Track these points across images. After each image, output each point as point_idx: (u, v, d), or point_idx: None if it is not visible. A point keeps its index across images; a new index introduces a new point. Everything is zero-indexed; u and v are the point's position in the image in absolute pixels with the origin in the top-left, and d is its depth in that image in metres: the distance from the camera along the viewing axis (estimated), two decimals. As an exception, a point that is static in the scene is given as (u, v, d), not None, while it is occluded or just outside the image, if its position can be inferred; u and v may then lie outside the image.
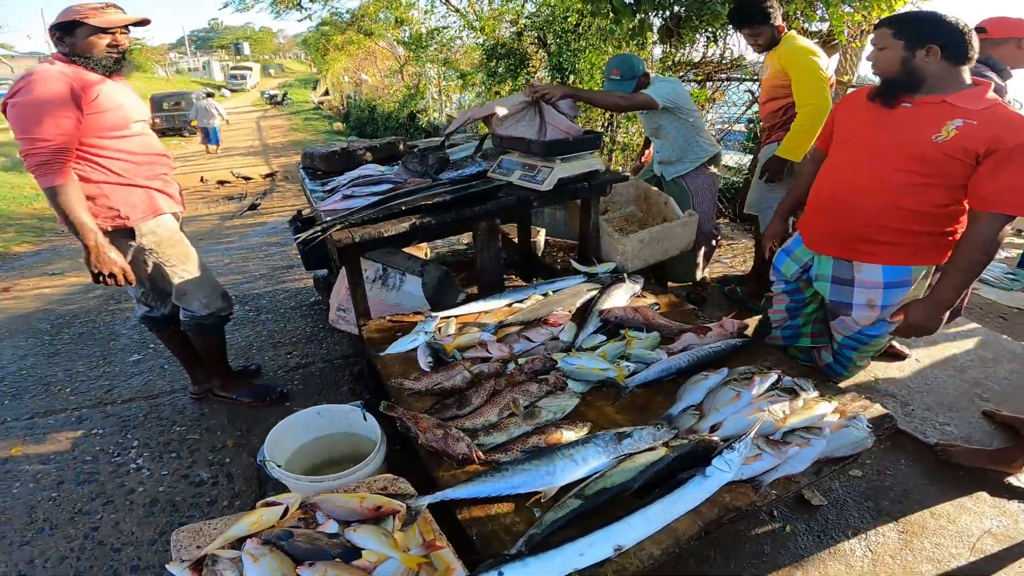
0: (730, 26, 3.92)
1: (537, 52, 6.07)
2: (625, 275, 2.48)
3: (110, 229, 2.01)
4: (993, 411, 2.38)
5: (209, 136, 14.10)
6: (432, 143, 3.31)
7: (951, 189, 1.63)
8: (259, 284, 4.42)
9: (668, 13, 3.69)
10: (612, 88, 2.85)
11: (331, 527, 1.20)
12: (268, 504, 1.23)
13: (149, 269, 2.19)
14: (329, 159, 2.96)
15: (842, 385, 2.05)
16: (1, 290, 5.05)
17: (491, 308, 2.35)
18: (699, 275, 3.38)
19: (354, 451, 1.94)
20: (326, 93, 26.52)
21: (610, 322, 2.15)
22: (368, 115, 15.49)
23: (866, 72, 4.05)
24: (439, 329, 2.13)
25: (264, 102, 29.09)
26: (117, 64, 2.00)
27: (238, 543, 1.16)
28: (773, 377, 1.70)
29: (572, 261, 2.74)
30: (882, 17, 1.68)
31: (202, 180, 10.71)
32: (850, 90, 3.49)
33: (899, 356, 2.80)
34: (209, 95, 15.07)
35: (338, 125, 17.44)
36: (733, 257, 4.16)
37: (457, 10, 7.02)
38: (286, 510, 1.23)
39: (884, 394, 2.54)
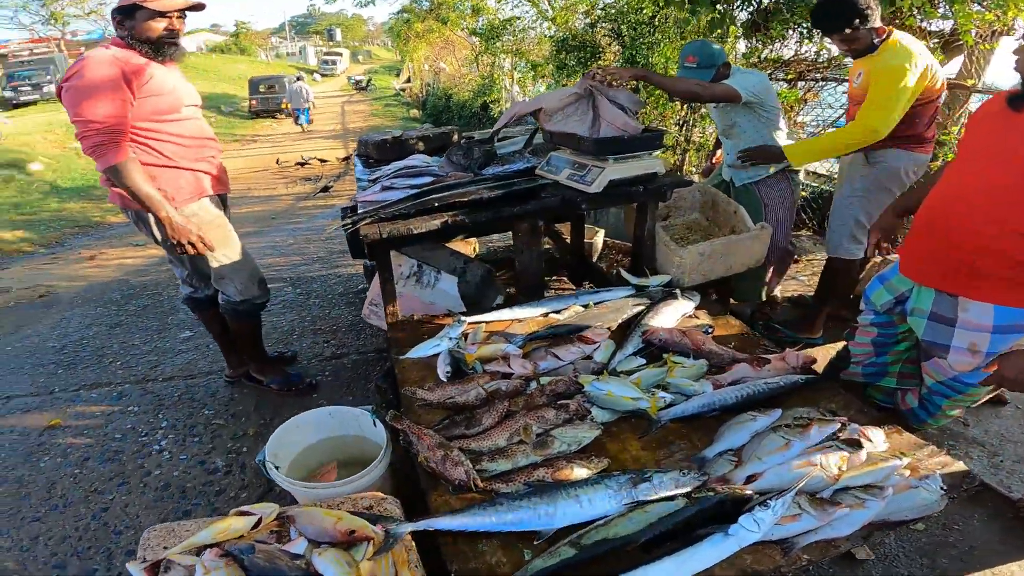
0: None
1: (611, 44, 5.78)
2: (678, 291, 2.23)
3: (140, 208, 2.02)
4: None
5: (299, 116, 15.43)
6: (484, 135, 3.17)
7: None
8: (315, 267, 4.49)
9: (754, 6, 3.32)
10: (687, 75, 2.56)
11: (299, 546, 1.10)
12: (241, 513, 1.15)
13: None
14: (381, 147, 2.90)
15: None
16: (88, 258, 5.48)
17: (525, 316, 2.19)
18: (768, 294, 3.04)
19: (363, 455, 1.85)
20: (408, 80, 27.14)
21: (653, 344, 1.92)
22: (444, 103, 15.65)
23: (994, 79, 3.46)
24: (466, 335, 2.00)
25: (351, 87, 30.26)
26: (171, 49, 2.01)
27: (203, 549, 1.09)
28: (835, 426, 1.43)
29: (622, 271, 2.51)
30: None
31: (277, 163, 11.22)
32: (978, 99, 2.99)
33: (999, 401, 2.37)
34: (299, 79, 16.11)
35: (415, 112, 17.76)
36: (813, 275, 3.74)
37: (532, 0, 6.83)
38: (259, 521, 1.15)
39: (971, 442, 2.16)
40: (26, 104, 19.14)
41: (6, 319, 3.81)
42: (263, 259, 4.69)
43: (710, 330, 2.00)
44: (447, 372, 1.79)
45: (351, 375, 2.73)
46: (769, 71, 4.78)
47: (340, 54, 42.37)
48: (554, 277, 3.74)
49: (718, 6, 3.10)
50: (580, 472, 1.34)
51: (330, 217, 6.57)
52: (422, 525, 1.18)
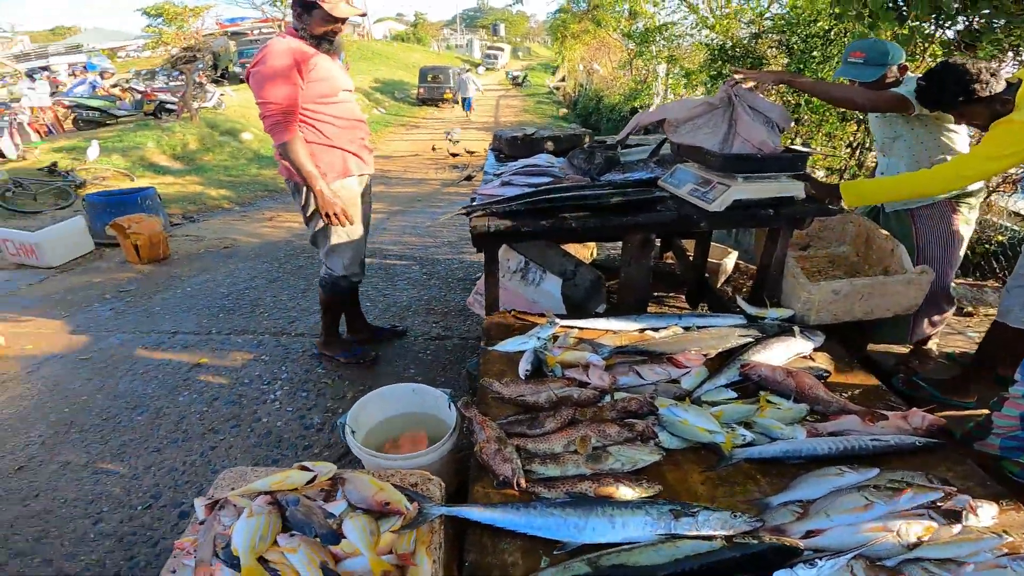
0: None
1: (776, 56, 5.32)
2: (797, 328, 2.02)
3: (299, 181, 2.32)
4: None
5: (465, 104, 17.58)
6: (611, 140, 3.13)
7: None
8: (443, 251, 4.78)
9: (958, 24, 2.83)
10: (847, 73, 2.26)
11: (338, 507, 1.20)
12: (302, 468, 1.28)
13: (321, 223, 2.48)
14: (512, 143, 3.00)
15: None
16: (268, 218, 6.41)
17: (620, 329, 2.13)
18: (914, 340, 2.61)
19: (436, 434, 1.95)
20: (562, 79, 27.50)
21: (750, 379, 1.76)
22: (595, 105, 15.63)
23: None
24: (555, 338, 2.00)
25: (508, 82, 31.48)
26: (330, 44, 2.29)
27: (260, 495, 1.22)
28: (936, 494, 1.20)
29: (738, 298, 2.32)
30: None
31: (433, 149, 12.09)
32: None
33: None
34: (468, 70, 17.74)
35: (564, 111, 17.94)
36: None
37: (692, 6, 6.52)
38: (314, 477, 1.26)
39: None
40: None
41: (195, 263, 4.62)
42: (402, 236, 5.11)
43: (825, 375, 1.78)
44: (527, 371, 1.81)
45: (449, 357, 2.88)
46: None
47: (502, 49, 44.09)
48: (670, 294, 3.58)
49: (907, 23, 2.70)
50: (625, 492, 1.28)
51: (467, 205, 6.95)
52: (454, 511, 1.22)
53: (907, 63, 2.30)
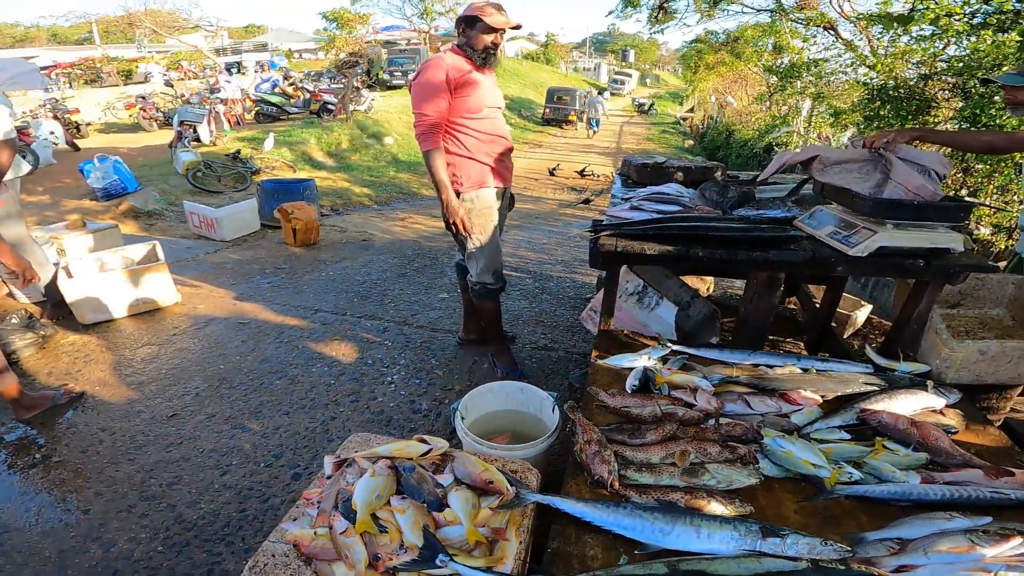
0: None
1: (948, 100, 4.86)
2: (930, 383, 1.88)
3: None
4: None
5: (592, 124, 18.60)
6: (749, 176, 3.09)
7: None
8: (556, 268, 4.95)
9: None
10: (1008, 80, 2.15)
11: (446, 480, 1.34)
12: (420, 440, 1.45)
13: None
14: (641, 170, 3.09)
15: None
16: (400, 219, 7.01)
17: (733, 361, 2.12)
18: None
19: (535, 433, 2.06)
20: (690, 110, 26.87)
21: (868, 424, 1.68)
22: (724, 139, 15.10)
23: None
24: (665, 360, 2.05)
25: (633, 108, 31.34)
26: (491, 58, 2.49)
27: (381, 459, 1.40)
28: None
29: (867, 348, 2.20)
30: None
31: (551, 173, 12.39)
32: None
33: None
34: (600, 93, 18.30)
35: (689, 143, 17.55)
36: None
37: (848, 44, 6.14)
38: (429, 450, 1.42)
39: None
40: (395, 87, 22.10)
41: (338, 251, 5.19)
42: (517, 250, 5.35)
43: (953, 431, 1.66)
44: (634, 385, 1.88)
45: (553, 368, 3.00)
46: None
47: (630, 75, 43.90)
48: (788, 339, 3.42)
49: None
50: (715, 507, 1.30)
51: (583, 227, 7.07)
52: (547, 499, 1.31)
53: None
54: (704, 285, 3.77)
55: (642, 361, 2.02)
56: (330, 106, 13.84)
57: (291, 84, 15.88)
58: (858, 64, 6.06)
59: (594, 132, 18.48)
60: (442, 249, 5.29)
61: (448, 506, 1.25)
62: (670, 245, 2.10)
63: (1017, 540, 1.12)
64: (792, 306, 3.72)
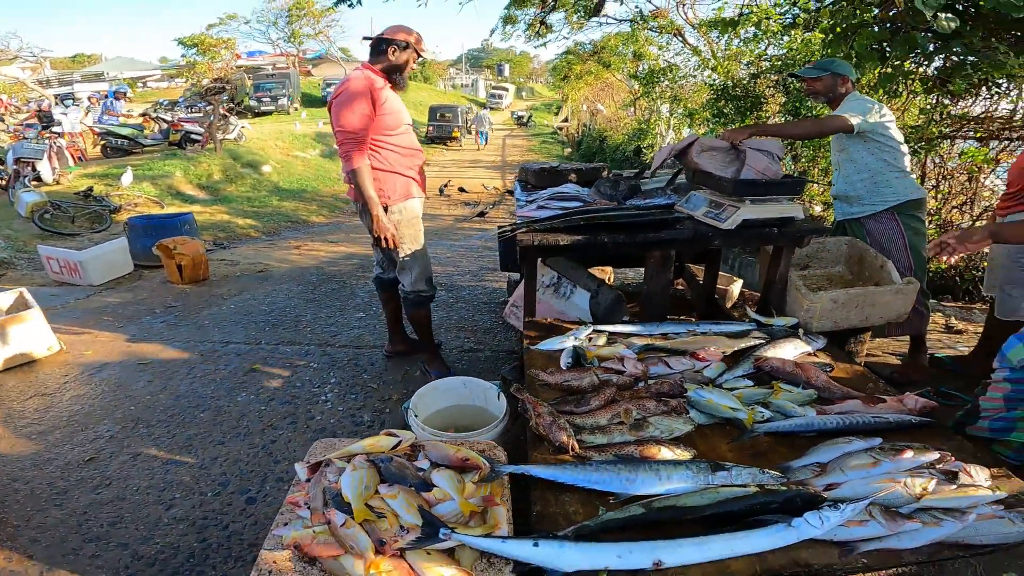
0: (1014, 75, 3.25)
1: (774, 96, 5.77)
2: (801, 331, 2.30)
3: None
4: None
5: (482, 137, 20.12)
6: (632, 173, 3.47)
7: None
8: (465, 278, 5.09)
9: (935, 62, 3.23)
10: (804, 73, 2.72)
11: (423, 465, 1.43)
12: (389, 434, 1.52)
13: None
14: (539, 175, 3.33)
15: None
16: (294, 247, 6.75)
17: (645, 333, 2.40)
18: (916, 352, 2.89)
19: (482, 423, 2.19)
20: (565, 120, 28.46)
21: (763, 371, 2.03)
22: (598, 145, 16.28)
23: None
24: (589, 339, 2.28)
25: (512, 121, 32.47)
26: (404, 81, 2.64)
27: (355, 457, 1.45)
28: (934, 455, 1.44)
29: (748, 310, 2.61)
30: None
31: (440, 192, 12.54)
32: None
33: None
34: (485, 108, 19.18)
35: (568, 151, 18.66)
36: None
37: (695, 49, 7.04)
38: (399, 443, 1.50)
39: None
40: (265, 114, 21.54)
41: (234, 285, 4.92)
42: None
43: (828, 368, 2.05)
44: (568, 362, 2.08)
45: (483, 367, 3.14)
46: (956, 128, 4.46)
47: (506, 89, 45.42)
48: (681, 317, 3.85)
49: (889, 61, 3.08)
50: (666, 454, 1.52)
51: (482, 239, 7.30)
52: (521, 469, 1.43)
53: (855, 80, 2.72)
54: (605, 276, 4.12)
55: (570, 341, 2.23)
56: (195, 136, 12.85)
57: (143, 114, 14.52)
58: (703, 67, 6.96)
59: (483, 145, 19.58)
60: (347, 272, 5.21)
61: (435, 486, 1.34)
62: (580, 235, 2.34)
63: (909, 453, 1.44)
64: (680, 286, 4.18)
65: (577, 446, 1.58)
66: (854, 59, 3.06)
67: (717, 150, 2.56)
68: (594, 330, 2.35)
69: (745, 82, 5.73)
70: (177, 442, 2.53)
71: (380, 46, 2.57)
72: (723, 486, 1.38)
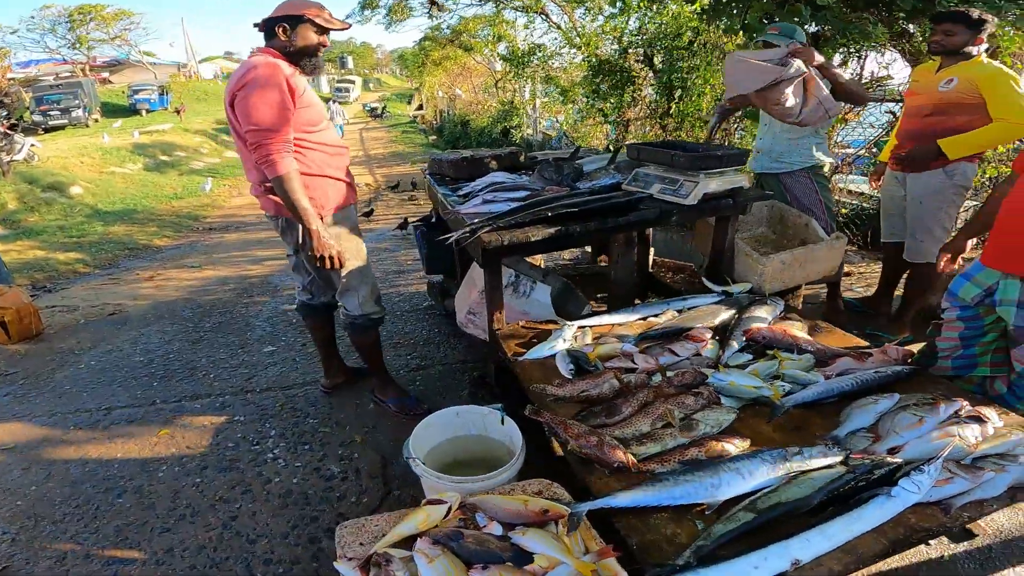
0: (876, 45, 3.68)
1: (642, 70, 6.02)
2: (769, 297, 2.35)
3: (292, 217, 2.14)
4: None
5: (338, 130, 17.88)
6: (559, 154, 3.35)
7: None
8: (372, 285, 4.62)
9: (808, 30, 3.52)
10: (768, 38, 2.76)
11: (496, 529, 1.18)
12: (431, 503, 1.23)
13: None
14: (457, 166, 3.06)
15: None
16: (146, 279, 5.65)
17: (624, 321, 2.30)
18: (833, 297, 3.17)
19: (485, 454, 1.93)
20: (419, 107, 27.74)
21: (756, 341, 2.03)
22: (461, 129, 16.04)
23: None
24: (575, 338, 2.11)
25: (366, 114, 30.91)
26: (317, 64, 2.14)
27: (404, 542, 1.17)
28: (958, 404, 1.54)
29: (705, 280, 2.63)
30: None
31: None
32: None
33: None
34: (335, 102, 17.68)
35: (433, 138, 18.20)
36: (868, 286, 3.85)
37: (558, 27, 7.11)
38: (448, 507, 1.23)
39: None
40: (56, 128, 19.25)
41: (81, 335, 3.94)
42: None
43: (819, 331, 2.11)
44: (571, 370, 1.90)
45: (440, 384, 2.84)
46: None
47: (352, 82, 43.18)
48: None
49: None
50: (731, 449, 1.44)
51: (373, 240, 6.75)
52: (600, 503, 1.26)
53: None
54: (538, 263, 3.98)
55: (560, 345, 2.04)
56: (-32, 158, 10.26)
57: None
58: (568, 45, 7.04)
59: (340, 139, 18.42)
60: (228, 301, 4.46)
61: (533, 552, 1.09)
62: (551, 227, 2.14)
63: (942, 406, 1.49)
64: (603, 263, 4.18)
65: (634, 461, 1.42)
66: (741, 30, 3.21)
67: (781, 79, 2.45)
68: (579, 327, 2.20)
69: (615, 58, 5.88)
70: (105, 536, 1.97)
71: (270, 28, 2.10)
72: (808, 471, 1.32)
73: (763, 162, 2.98)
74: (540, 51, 6.83)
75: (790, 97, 2.47)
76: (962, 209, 2.99)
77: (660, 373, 1.81)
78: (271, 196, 2.14)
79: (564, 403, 1.76)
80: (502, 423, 1.84)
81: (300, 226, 2.11)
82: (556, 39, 6.84)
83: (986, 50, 2.64)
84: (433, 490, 1.65)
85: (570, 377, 1.87)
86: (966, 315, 1.95)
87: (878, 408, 1.58)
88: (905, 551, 1.24)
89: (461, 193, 2.69)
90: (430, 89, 21.42)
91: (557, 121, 10.04)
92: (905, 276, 3.13)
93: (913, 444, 1.41)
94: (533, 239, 2.11)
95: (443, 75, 17.25)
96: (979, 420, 1.48)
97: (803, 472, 1.31)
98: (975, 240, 2.38)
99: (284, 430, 2.51)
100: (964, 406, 1.54)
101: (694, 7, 4.02)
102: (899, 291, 3.25)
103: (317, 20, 2.04)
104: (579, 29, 6.70)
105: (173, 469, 2.32)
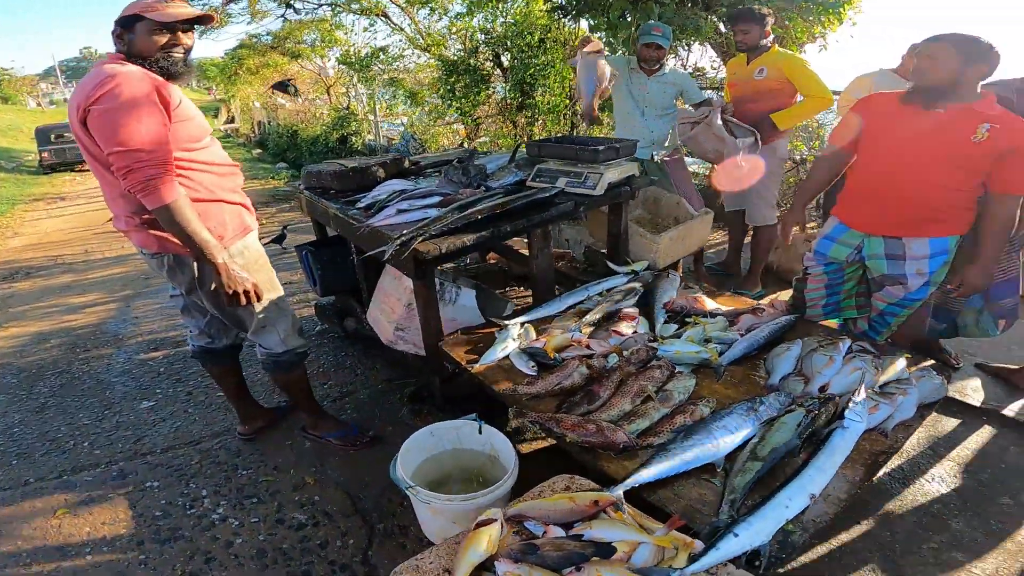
0: (695, 42, 4.28)
1: (494, 70, 6.21)
2: (670, 272, 2.63)
3: (184, 253, 1.83)
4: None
5: None
6: (448, 158, 3.32)
7: (976, 175, 1.93)
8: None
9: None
10: (654, 40, 3.12)
11: (557, 531, 1.19)
12: (482, 524, 1.19)
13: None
14: (343, 177, 2.89)
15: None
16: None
17: (555, 312, 2.40)
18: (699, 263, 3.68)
19: (461, 466, 1.90)
20: (230, 120, 25.03)
21: (676, 312, 2.28)
22: (288, 141, 14.83)
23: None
24: (520, 336, 2.15)
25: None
26: (177, 66, 1.77)
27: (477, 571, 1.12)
28: (848, 341, 1.91)
29: (609, 264, 2.84)
30: (939, 34, 1.95)
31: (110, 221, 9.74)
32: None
33: (951, 365, 2.68)
34: None
35: (258, 151, 16.58)
36: (718, 253, 4.48)
37: (401, 29, 7.01)
38: (497, 524, 1.19)
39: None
40: None
41: None
42: (171, 320, 4.18)
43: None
44: (532, 367, 1.94)
45: (374, 408, 2.67)
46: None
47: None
48: (508, 289, 3.93)
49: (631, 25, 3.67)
50: (705, 411, 1.61)
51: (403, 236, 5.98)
52: (631, 483, 1.35)
53: None
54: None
55: (511, 345, 2.07)
56: None
57: None
58: (411, 46, 6.96)
59: None
60: (60, 359, 3.63)
61: (611, 542, 1.11)
62: (483, 230, 2.14)
63: (840, 344, 1.83)
64: (493, 261, 4.26)
65: (633, 439, 1.52)
66: (605, 26, 3.52)
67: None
68: (520, 323, 2.24)
69: (466, 58, 5.98)
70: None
71: (116, 32, 1.76)
72: (778, 417, 1.54)
73: (646, 149, 3.32)
74: (384, 54, 6.63)
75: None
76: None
77: (617, 354, 1.94)
78: (151, 231, 1.79)
79: (540, 400, 1.80)
80: (480, 432, 1.82)
81: (194, 263, 1.82)
82: (400, 41, 6.72)
83: (773, 40, 3.25)
84: (439, 513, 1.58)
85: (534, 374, 1.91)
86: (830, 269, 2.39)
87: (791, 354, 1.89)
88: (877, 473, 1.50)
89: (361, 206, 2.56)
90: (244, 100, 19.39)
91: (402, 124, 9.87)
92: (749, 239, 3.73)
93: (836, 380, 1.72)
94: (468, 243, 2.10)
95: (260, 84, 15.73)
96: (867, 353, 1.86)
97: (774, 419, 1.52)
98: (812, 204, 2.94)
99: (217, 487, 2.17)
100: (850, 342, 1.92)
101: (544, 6, 4.26)
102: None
103: (152, 16, 1.68)
104: (424, 30, 6.65)
105: (101, 549, 1.90)
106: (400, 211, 2.36)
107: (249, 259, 1.98)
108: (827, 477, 1.37)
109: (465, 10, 5.57)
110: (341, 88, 11.95)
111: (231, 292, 1.81)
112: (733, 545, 1.16)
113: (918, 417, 1.65)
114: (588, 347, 1.96)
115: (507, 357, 2.03)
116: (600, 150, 2.52)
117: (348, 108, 11.44)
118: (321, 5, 6.74)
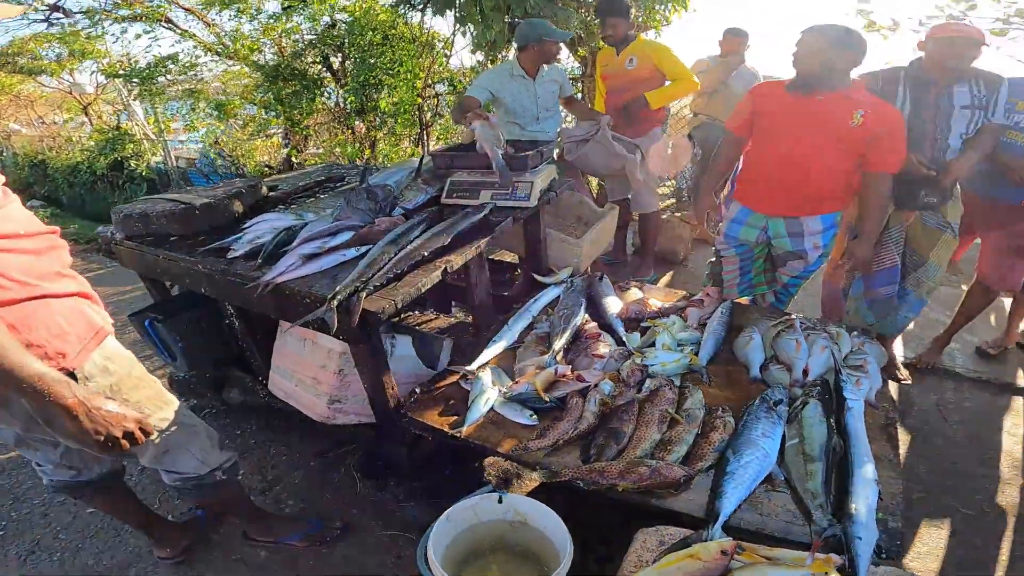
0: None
1: (322, 71, 5.53)
2: (605, 278, 2.52)
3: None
4: None
5: None
6: (343, 173, 2.78)
7: (854, 156, 2.14)
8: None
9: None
10: (557, 36, 3.01)
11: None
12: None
13: None
14: (186, 218, 2.25)
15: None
16: None
17: (510, 343, 2.14)
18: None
19: (476, 543, 1.57)
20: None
21: (631, 319, 2.19)
22: (33, 172, 11.75)
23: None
24: (493, 382, 1.86)
25: None
26: None
27: None
28: (797, 319, 2.01)
29: (536, 276, 2.65)
30: (814, 24, 2.09)
31: None
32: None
33: (897, 379, 2.73)
34: None
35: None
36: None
37: (192, 35, 5.85)
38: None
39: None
40: None
41: None
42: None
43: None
44: (530, 415, 1.67)
45: (320, 491, 2.13)
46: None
47: None
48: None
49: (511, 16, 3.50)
50: (730, 420, 1.56)
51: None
52: (723, 518, 1.27)
53: None
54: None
55: (492, 395, 1.77)
56: None
57: None
58: (209, 53, 5.86)
59: None
60: None
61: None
62: (433, 269, 1.78)
63: (795, 322, 1.90)
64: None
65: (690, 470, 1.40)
66: (479, 23, 3.29)
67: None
68: (479, 367, 1.93)
69: (290, 61, 5.23)
70: None
71: None
72: (796, 413, 1.54)
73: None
74: (174, 63, 5.44)
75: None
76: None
77: (612, 380, 1.77)
78: None
79: (557, 451, 1.55)
80: (500, 502, 1.50)
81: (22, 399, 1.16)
82: (193, 48, 5.57)
83: (635, 29, 3.41)
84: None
85: (532, 423, 1.65)
86: (741, 251, 2.52)
87: (756, 343, 1.92)
88: (897, 441, 1.55)
89: (238, 254, 1.99)
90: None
91: (199, 142, 8.37)
92: (637, 228, 3.85)
93: (812, 362, 1.76)
94: (424, 288, 1.72)
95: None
96: (812, 328, 1.95)
97: (793, 415, 1.52)
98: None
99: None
100: (799, 319, 2.01)
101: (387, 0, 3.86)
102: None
103: None
104: (230, 34, 5.60)
105: None
106: (307, 257, 1.87)
107: (118, 376, 1.33)
108: (871, 460, 1.38)
109: (280, 10, 4.82)
110: (104, 106, 9.75)
111: (103, 439, 1.17)
112: (864, 548, 1.15)
113: (885, 383, 1.77)
114: (580, 379, 1.75)
115: (492, 409, 1.73)
116: (529, 156, 2.29)
117: (119, 128, 9.36)
118: (78, 12, 5.27)
